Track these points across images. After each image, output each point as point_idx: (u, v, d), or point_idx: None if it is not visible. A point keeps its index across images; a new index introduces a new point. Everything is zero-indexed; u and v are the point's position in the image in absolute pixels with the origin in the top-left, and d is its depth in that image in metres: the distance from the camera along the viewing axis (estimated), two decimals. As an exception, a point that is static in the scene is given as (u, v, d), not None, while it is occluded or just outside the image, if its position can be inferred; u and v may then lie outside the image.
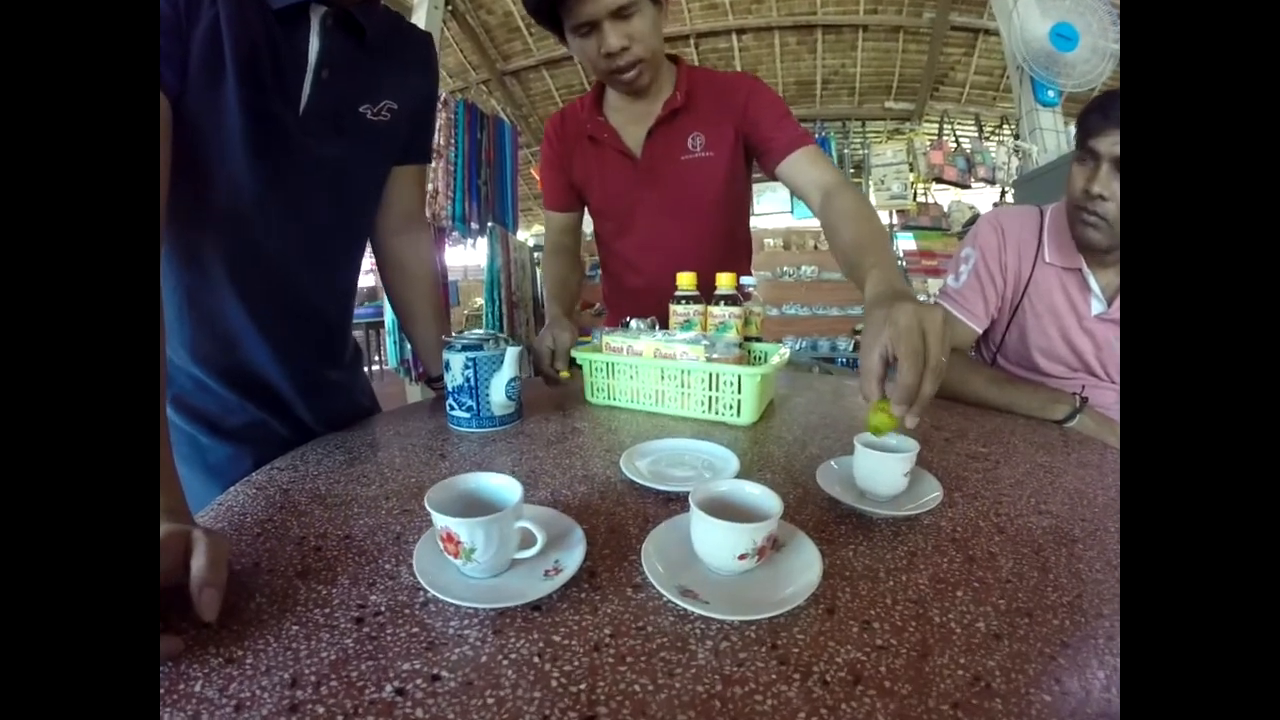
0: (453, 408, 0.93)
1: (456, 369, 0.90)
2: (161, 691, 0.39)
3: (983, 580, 0.52)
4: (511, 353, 0.91)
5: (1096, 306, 1.14)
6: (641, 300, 1.30)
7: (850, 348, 5.31)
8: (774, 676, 0.41)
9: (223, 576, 0.47)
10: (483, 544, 0.47)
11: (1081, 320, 1.16)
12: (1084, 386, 1.16)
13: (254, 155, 0.78)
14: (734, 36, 6.75)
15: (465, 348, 0.90)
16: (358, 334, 6.03)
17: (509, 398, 0.92)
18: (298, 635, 0.45)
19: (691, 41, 6.74)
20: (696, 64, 1.34)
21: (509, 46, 6.87)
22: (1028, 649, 0.44)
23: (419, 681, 0.40)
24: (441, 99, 3.68)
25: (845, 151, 6.55)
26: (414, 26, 0.99)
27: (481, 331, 0.95)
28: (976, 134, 6.09)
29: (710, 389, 0.97)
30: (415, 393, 3.71)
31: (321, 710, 0.38)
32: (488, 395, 0.91)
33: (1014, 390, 1.07)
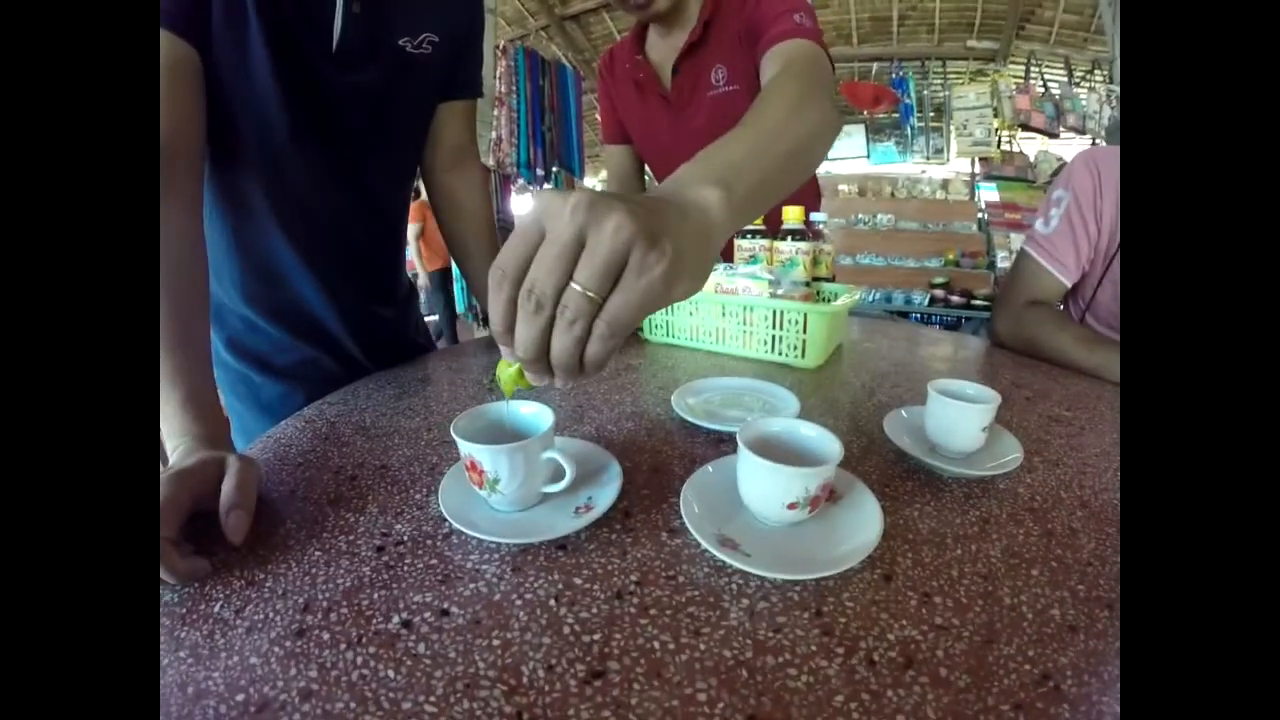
0: None
1: None
2: (183, 611, 0.39)
3: (1061, 560, 0.45)
4: None
5: None
6: None
7: (926, 301, 5.10)
8: (814, 648, 0.36)
9: (251, 500, 0.47)
10: (507, 474, 0.44)
11: None
12: None
13: (285, 94, 0.76)
14: (801, -32, 6.37)
15: None
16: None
17: None
18: (319, 561, 0.44)
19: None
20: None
21: (566, -11, 6.70)
22: (1105, 648, 0.37)
23: (427, 615, 0.38)
24: (500, 47, 3.63)
25: (925, 93, 6.20)
26: None
27: None
28: (1066, 78, 5.65)
29: (774, 327, 0.91)
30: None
31: (326, 636, 0.36)
32: None
33: (1104, 353, 0.95)
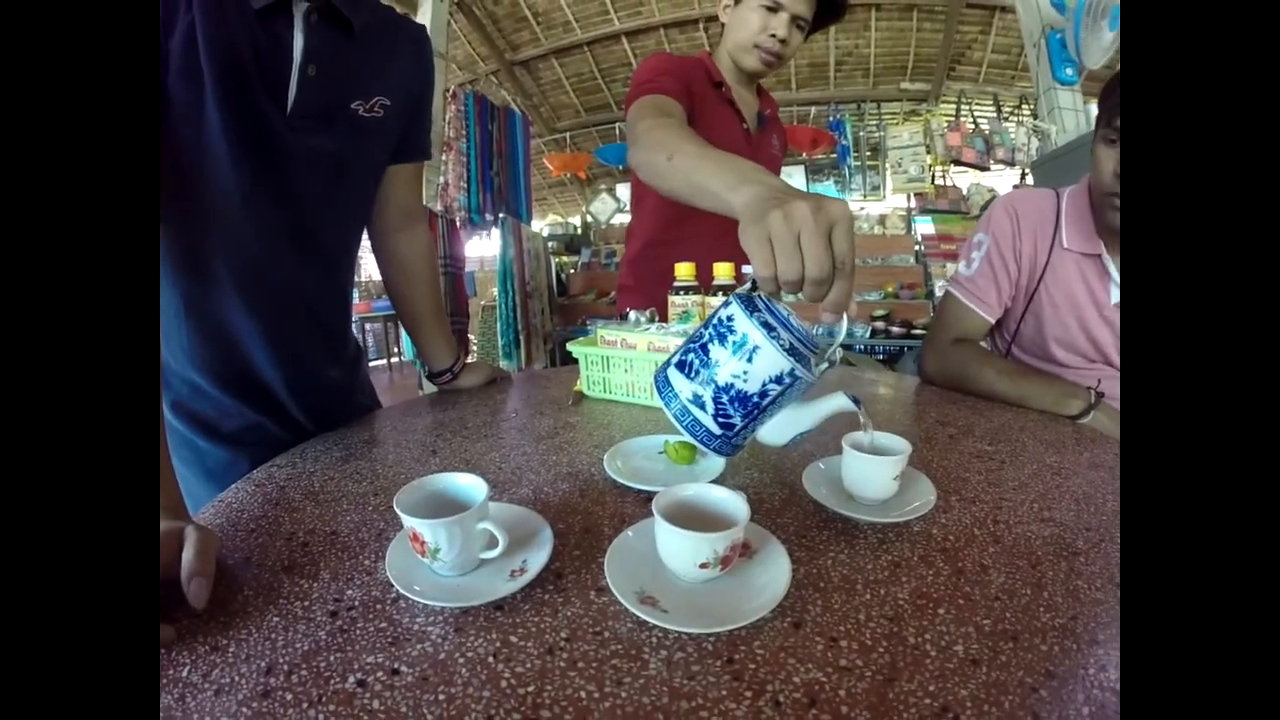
0: (698, 404, 0.57)
1: (767, 361, 0.54)
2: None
3: (969, 597, 0.49)
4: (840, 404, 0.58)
5: (1117, 294, 1.10)
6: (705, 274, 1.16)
7: (868, 334, 5.27)
8: (724, 693, 0.40)
9: (211, 567, 0.50)
10: (446, 544, 0.49)
11: (1101, 309, 1.13)
12: (1100, 381, 1.14)
13: (239, 157, 0.77)
14: (743, 17, 6.66)
15: (791, 350, 0.54)
16: (375, 326, 6.10)
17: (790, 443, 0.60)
18: (277, 626, 0.47)
19: (701, 25, 6.65)
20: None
21: (517, 36, 6.86)
22: (1007, 678, 0.41)
23: (380, 674, 0.42)
24: (450, 91, 3.70)
25: (861, 134, 6.46)
26: (406, 19, 0.98)
27: (799, 320, 0.58)
28: (995, 114, 5.98)
29: (704, 384, 0.97)
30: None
31: (290, 697, 0.40)
32: (762, 421, 0.57)
33: (1027, 383, 1.04)
